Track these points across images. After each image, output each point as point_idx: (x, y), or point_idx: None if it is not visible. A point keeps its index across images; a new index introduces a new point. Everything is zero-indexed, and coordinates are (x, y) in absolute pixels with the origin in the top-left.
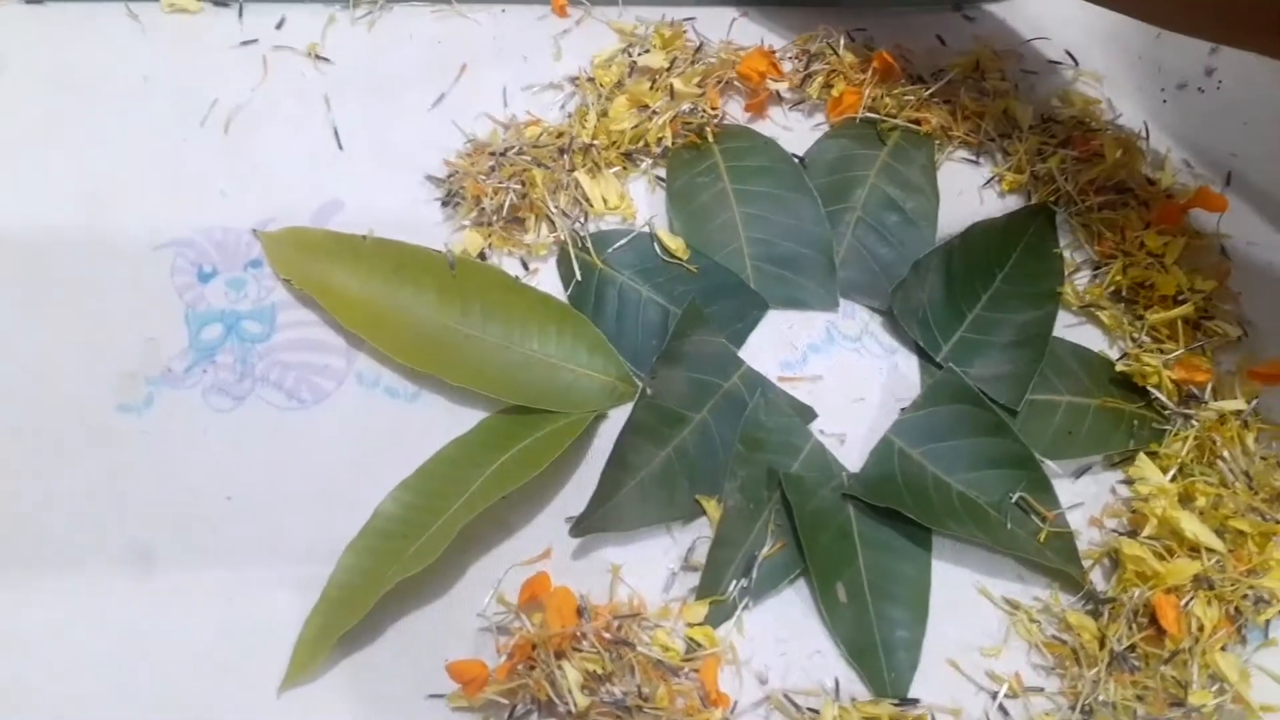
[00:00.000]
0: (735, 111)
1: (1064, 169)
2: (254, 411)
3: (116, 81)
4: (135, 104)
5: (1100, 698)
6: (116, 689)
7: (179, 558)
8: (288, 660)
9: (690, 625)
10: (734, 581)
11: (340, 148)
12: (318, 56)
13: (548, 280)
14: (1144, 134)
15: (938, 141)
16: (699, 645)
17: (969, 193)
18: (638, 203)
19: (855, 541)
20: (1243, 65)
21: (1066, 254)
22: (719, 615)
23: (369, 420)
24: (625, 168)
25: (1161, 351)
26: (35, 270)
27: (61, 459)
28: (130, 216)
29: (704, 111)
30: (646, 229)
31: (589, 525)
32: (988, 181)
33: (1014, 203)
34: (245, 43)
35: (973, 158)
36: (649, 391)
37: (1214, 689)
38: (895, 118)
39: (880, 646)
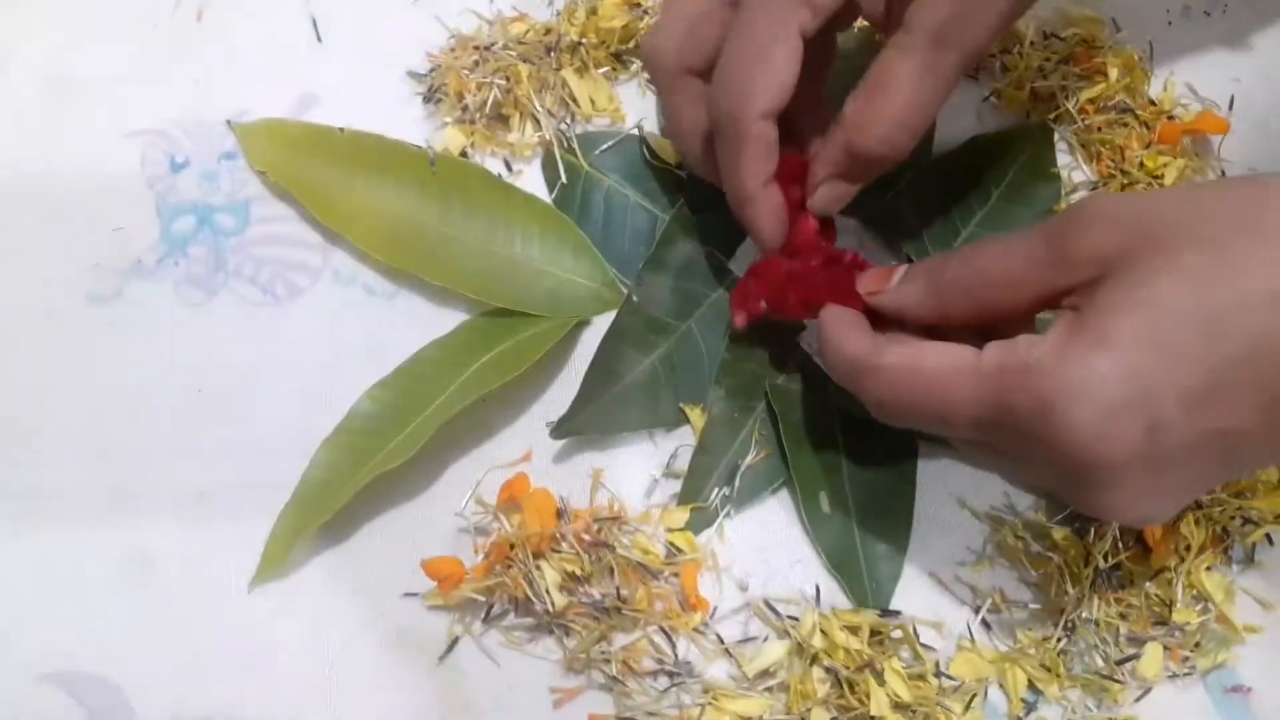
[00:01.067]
0: None
1: (1065, 87)
2: (227, 306)
3: None
4: None
5: (1083, 614)
6: (83, 585)
7: (148, 451)
8: (259, 556)
9: (670, 530)
10: (716, 489)
11: (319, 40)
12: None
13: (531, 182)
14: (1148, 54)
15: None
16: (679, 551)
17: (967, 108)
18: (627, 106)
19: (840, 452)
20: None
21: (1064, 173)
22: (700, 522)
23: (345, 318)
24: (614, 69)
25: None
26: (3, 158)
27: (28, 348)
28: (98, 103)
29: None
30: (635, 132)
31: (570, 428)
32: (986, 97)
33: (1012, 119)
34: None
35: (971, 73)
36: (635, 298)
37: (1198, 608)
38: None
39: (862, 557)
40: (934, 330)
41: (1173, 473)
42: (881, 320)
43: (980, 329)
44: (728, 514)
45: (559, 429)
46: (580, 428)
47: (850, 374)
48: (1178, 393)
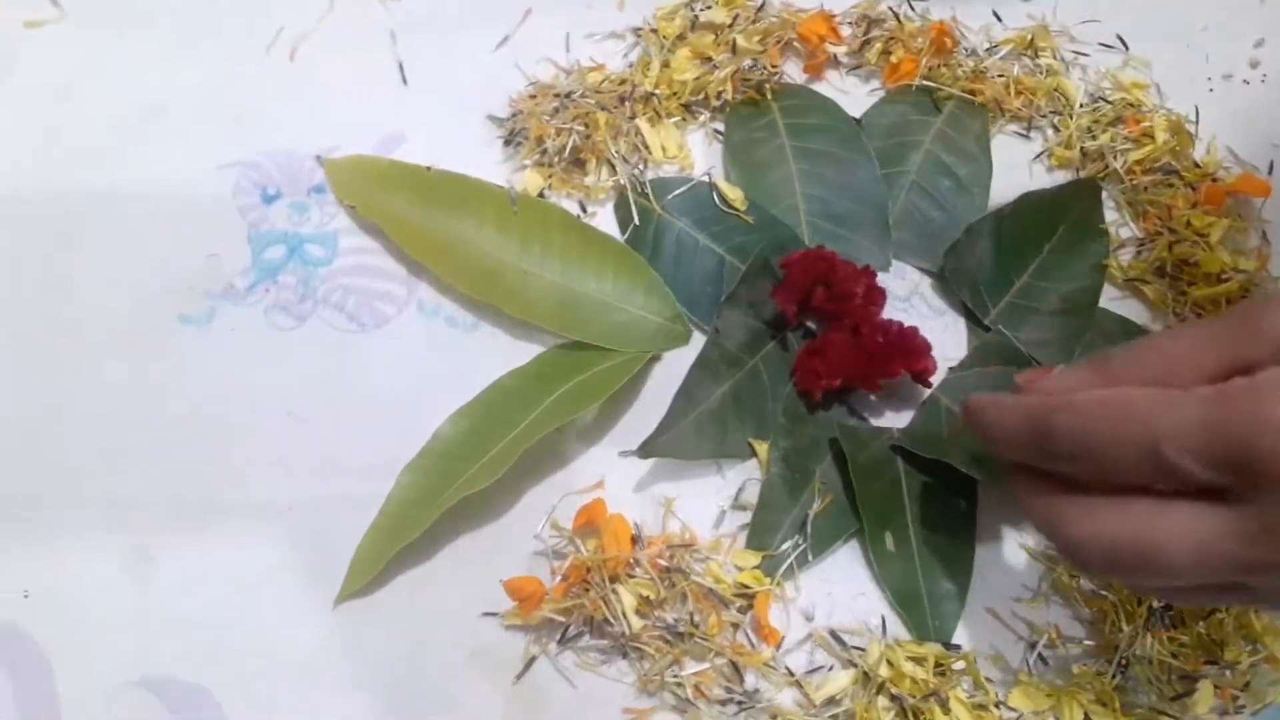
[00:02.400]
0: (793, 72)
1: (1113, 148)
2: (315, 332)
3: (185, 4)
4: (202, 28)
5: (1137, 652)
6: (175, 593)
7: (239, 467)
8: (344, 574)
9: (740, 569)
10: (787, 541)
11: (404, 83)
12: None
13: (605, 224)
14: (1194, 119)
15: (990, 114)
16: (747, 586)
17: (1019, 165)
18: (695, 154)
19: (904, 493)
20: None
21: (1112, 230)
22: (770, 567)
23: (428, 347)
24: (684, 119)
25: None
26: (98, 180)
27: (123, 363)
28: (195, 135)
29: (764, 69)
30: (705, 179)
31: (654, 448)
32: (1038, 155)
33: (1062, 178)
34: None
35: (1023, 132)
36: (720, 330)
37: (1248, 649)
38: (951, 87)
39: (925, 595)
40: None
41: None
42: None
43: None
44: (803, 564)
45: (644, 448)
46: (662, 449)
47: (1033, 416)
48: None
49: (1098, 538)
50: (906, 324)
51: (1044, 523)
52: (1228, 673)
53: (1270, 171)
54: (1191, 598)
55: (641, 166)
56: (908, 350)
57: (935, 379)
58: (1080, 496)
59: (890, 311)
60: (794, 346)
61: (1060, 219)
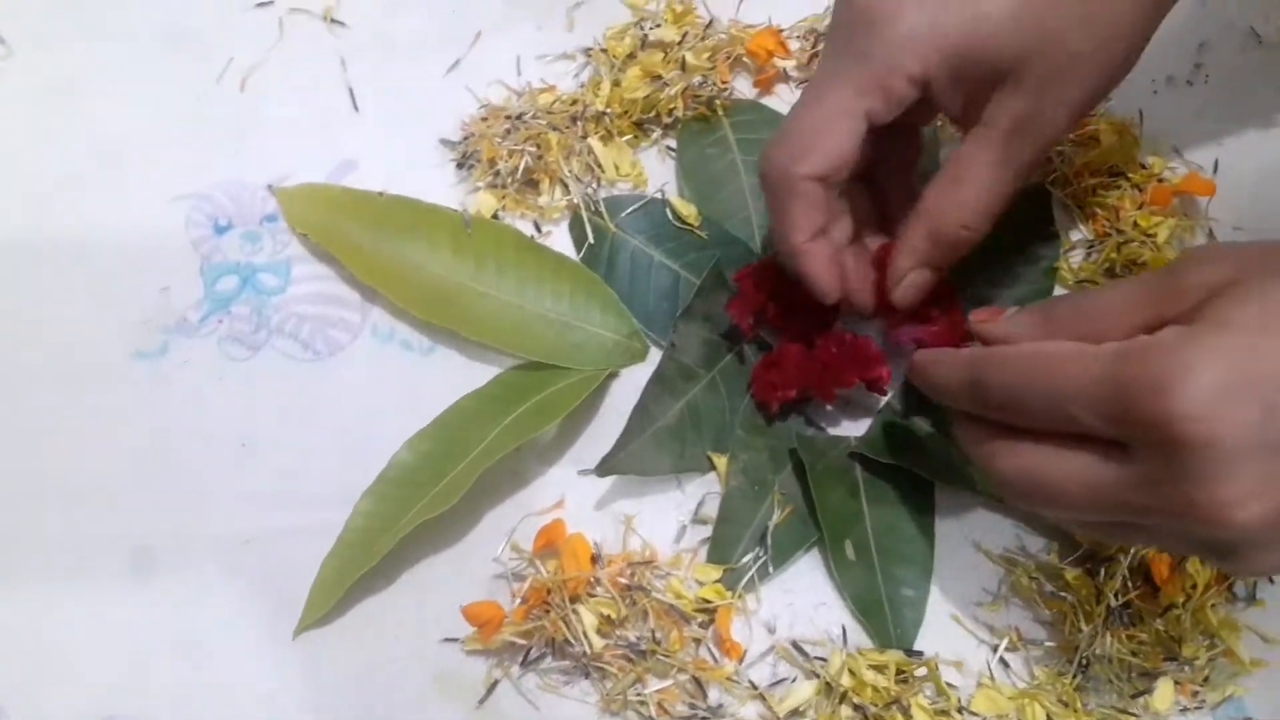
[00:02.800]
0: (744, 87)
1: (1060, 152)
2: (270, 362)
3: (133, 38)
4: (152, 60)
5: (1097, 651)
6: (130, 633)
7: (193, 502)
8: (303, 604)
9: (701, 584)
10: (748, 553)
11: (355, 109)
12: (333, 20)
13: (560, 243)
14: (1139, 121)
15: (939, 122)
16: (708, 601)
17: None
18: (648, 171)
19: (862, 501)
20: (1228, 62)
21: (1060, 233)
22: (731, 580)
23: (384, 373)
24: (636, 137)
25: None
26: (50, 219)
27: (76, 402)
28: (146, 169)
29: (714, 85)
30: (658, 196)
31: (612, 466)
32: None
33: None
34: (261, 4)
35: None
36: (675, 344)
37: (1205, 644)
38: None
39: (886, 602)
40: None
41: None
42: None
43: None
44: (764, 576)
45: (602, 466)
46: (621, 466)
47: (967, 367)
48: None
49: (1018, 474)
50: (861, 332)
51: (979, 460)
52: (1186, 668)
53: (1215, 170)
54: (1105, 532)
55: (595, 185)
56: (862, 359)
57: (889, 386)
58: (1011, 439)
59: (844, 319)
60: (750, 359)
61: (1011, 223)
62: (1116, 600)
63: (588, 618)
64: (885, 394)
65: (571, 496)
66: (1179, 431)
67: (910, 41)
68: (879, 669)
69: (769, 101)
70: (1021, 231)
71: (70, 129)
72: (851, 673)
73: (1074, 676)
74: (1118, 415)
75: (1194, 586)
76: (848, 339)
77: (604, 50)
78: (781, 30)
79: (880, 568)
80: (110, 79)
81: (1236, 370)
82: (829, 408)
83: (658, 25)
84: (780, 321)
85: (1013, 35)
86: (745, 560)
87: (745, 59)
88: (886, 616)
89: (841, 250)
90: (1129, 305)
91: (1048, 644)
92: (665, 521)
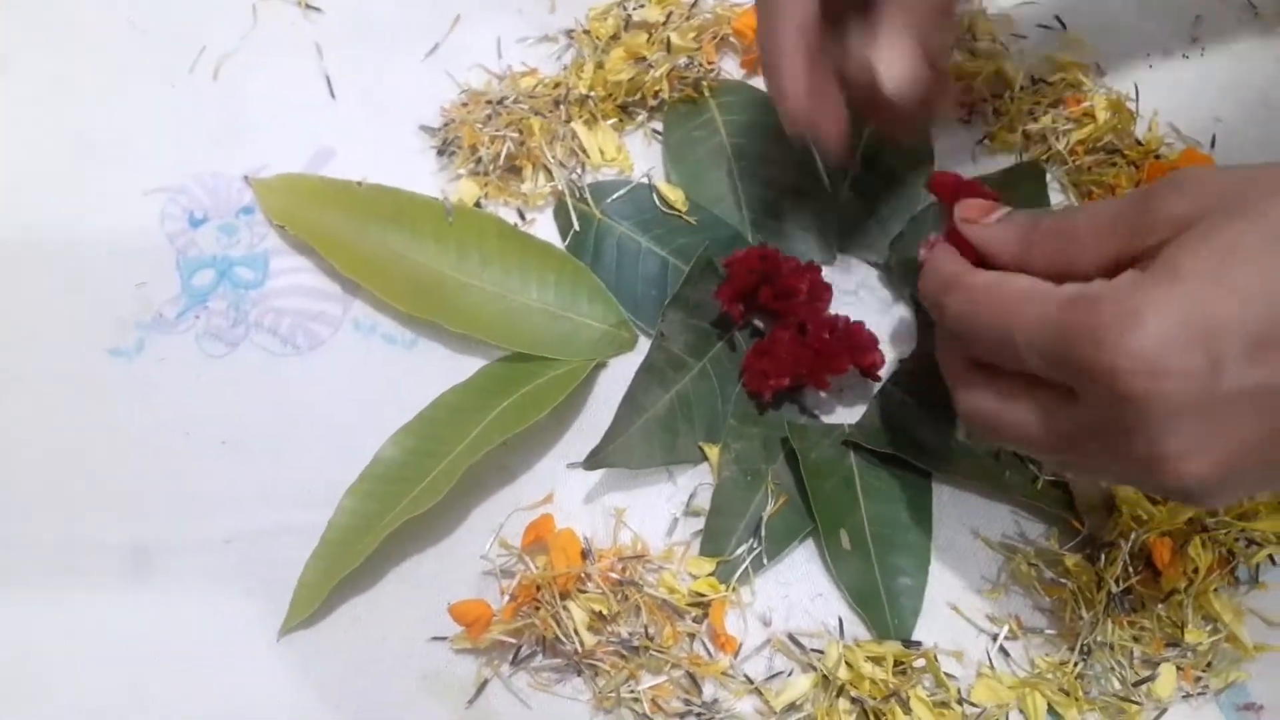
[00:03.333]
0: (731, 68)
1: (1055, 129)
2: (249, 357)
3: (103, 27)
4: (122, 50)
5: (1098, 638)
6: (113, 637)
7: (174, 503)
8: (287, 605)
9: (694, 577)
10: (742, 544)
11: (333, 97)
12: (308, 5)
13: (545, 231)
14: (1134, 96)
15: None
16: (702, 595)
17: (961, 152)
18: (634, 156)
19: (857, 490)
20: (1225, 35)
21: None
22: (725, 573)
23: (366, 366)
24: (621, 120)
25: None
26: (22, 216)
27: (53, 403)
28: (119, 162)
29: (700, 66)
30: (644, 181)
31: (601, 459)
32: (980, 140)
33: (1004, 162)
34: None
35: (965, 117)
36: (664, 333)
37: (1208, 629)
38: None
39: (884, 592)
40: None
41: (1229, 426)
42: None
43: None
44: (759, 568)
45: (591, 460)
46: (610, 459)
47: (939, 288)
48: (1244, 334)
49: (979, 409)
50: (855, 317)
51: (950, 390)
52: (1189, 654)
53: (1212, 146)
54: (1072, 469)
55: (579, 171)
56: (855, 345)
57: (884, 372)
58: (976, 374)
59: (838, 305)
60: (742, 346)
61: (1005, 203)
62: (1117, 587)
63: (578, 614)
64: (879, 380)
65: (560, 490)
66: (1122, 385)
67: None
68: (877, 661)
69: (756, 82)
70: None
71: (39, 123)
72: (849, 665)
73: (1075, 665)
74: (1063, 362)
75: (1195, 571)
76: (840, 324)
77: (587, 32)
78: None
79: (876, 557)
80: (79, 70)
81: (1181, 323)
82: (823, 395)
83: (641, 5)
84: (772, 308)
85: None
86: (739, 552)
87: (732, 39)
88: (884, 607)
89: (820, 78)
90: (1104, 232)
91: (1048, 632)
92: (657, 514)
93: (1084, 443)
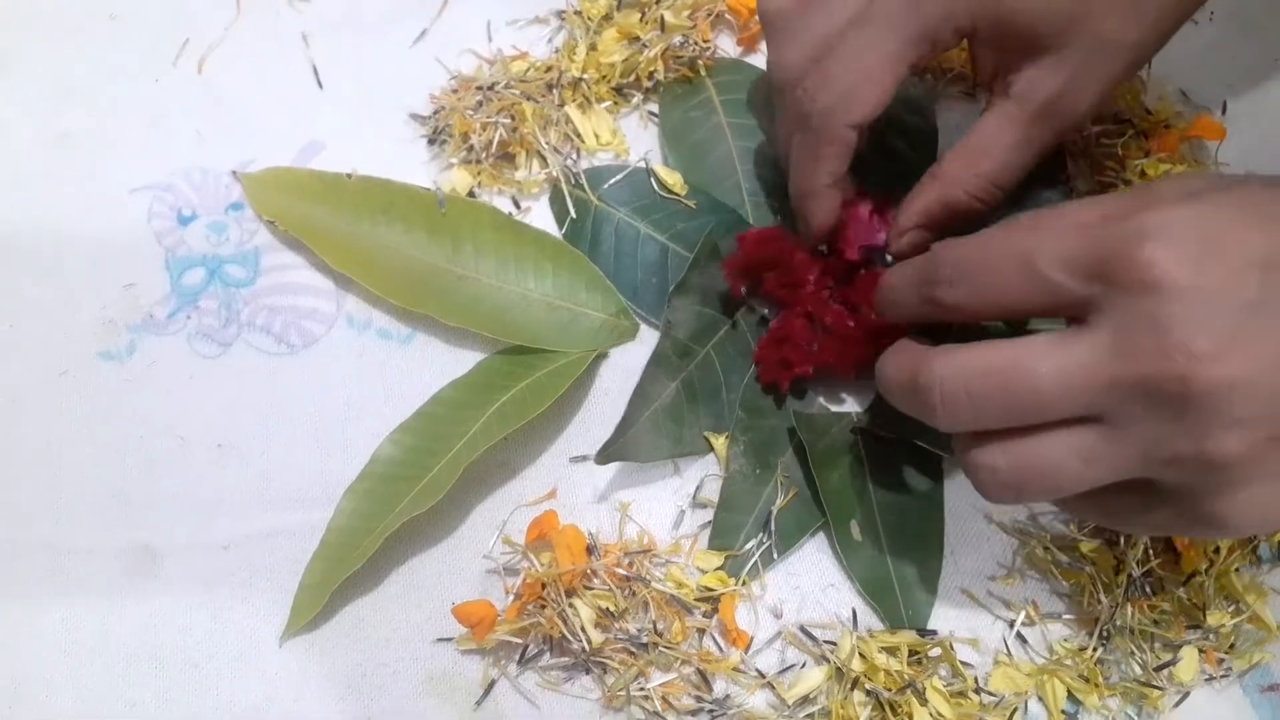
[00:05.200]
0: (727, 45)
1: None
2: (242, 357)
3: (82, 21)
4: (103, 44)
5: (1117, 623)
6: (110, 644)
7: (170, 507)
8: (288, 608)
9: (703, 571)
10: (751, 539)
11: (320, 87)
12: None
13: (540, 218)
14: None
15: (933, 76)
16: (711, 589)
17: (966, 124)
18: (630, 139)
19: (867, 479)
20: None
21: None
22: (734, 567)
23: (362, 364)
24: (616, 103)
25: None
26: (4, 217)
27: (44, 407)
28: (103, 160)
29: (696, 44)
30: (641, 164)
31: (612, 453)
32: (984, 111)
33: None
34: None
35: (969, 91)
36: (671, 322)
37: (1230, 610)
38: None
39: (896, 582)
40: None
41: (1258, 327)
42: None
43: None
44: (768, 563)
45: (603, 454)
46: (622, 453)
47: (928, 255)
48: (1267, 243)
49: (961, 368)
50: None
51: (904, 372)
52: (1211, 636)
53: (1224, 113)
54: (1101, 508)
55: (574, 156)
56: (881, 331)
57: None
58: (997, 438)
59: None
60: (745, 331)
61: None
62: (1138, 570)
63: (585, 611)
64: None
65: (563, 486)
66: (1159, 273)
67: None
68: (891, 651)
69: (753, 60)
70: (1030, 179)
71: (19, 121)
72: (862, 656)
73: (1094, 650)
74: (1096, 266)
75: (1216, 551)
76: (862, 310)
77: (578, 12)
78: None
79: (888, 547)
80: (59, 65)
81: (1217, 230)
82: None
83: None
84: (778, 295)
85: (1063, 8)
86: (748, 547)
87: (727, 16)
88: (897, 597)
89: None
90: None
91: (1066, 617)
92: (663, 507)
93: (1107, 363)
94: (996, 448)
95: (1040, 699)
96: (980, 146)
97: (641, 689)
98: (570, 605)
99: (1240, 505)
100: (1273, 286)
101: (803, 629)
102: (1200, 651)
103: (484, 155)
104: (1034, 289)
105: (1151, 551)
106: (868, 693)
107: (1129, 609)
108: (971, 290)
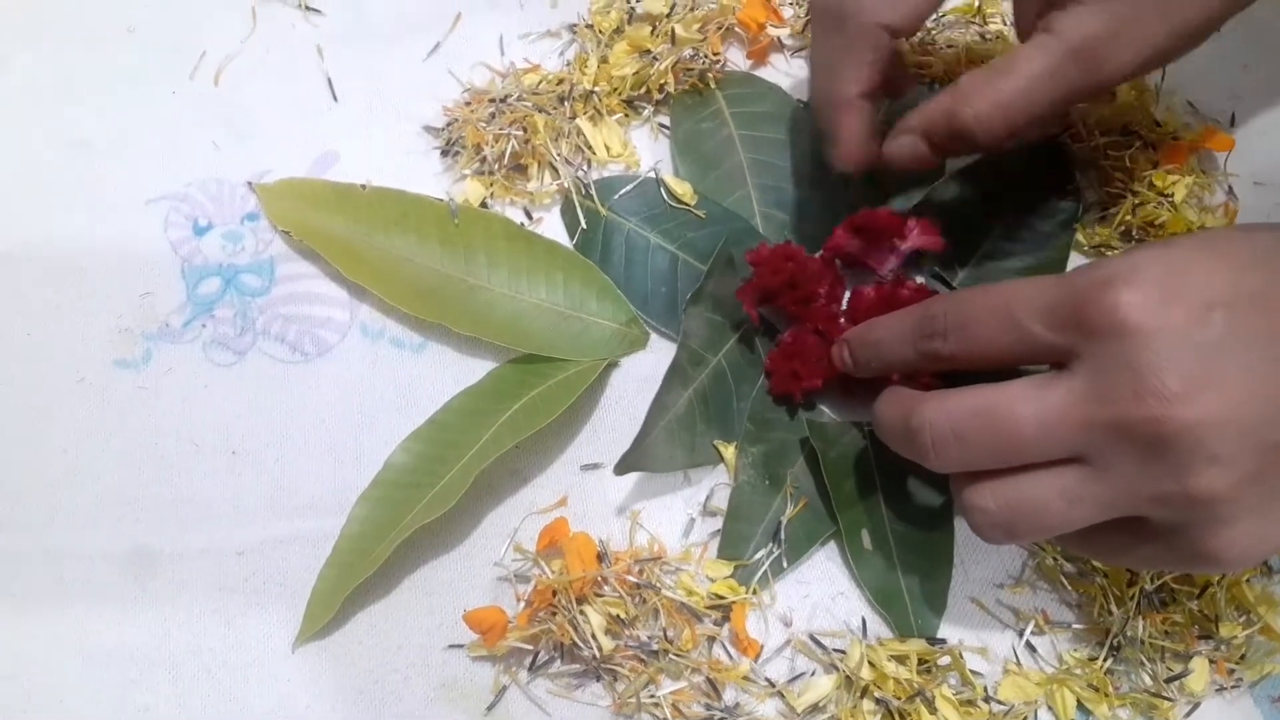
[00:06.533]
0: (737, 58)
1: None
2: (256, 366)
3: (101, 33)
4: (121, 56)
5: (1128, 634)
6: (123, 651)
7: (185, 514)
8: (301, 615)
9: (712, 580)
10: (760, 550)
11: (335, 99)
12: (307, 7)
13: (552, 229)
14: (1159, 75)
15: (939, 84)
16: (721, 597)
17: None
18: (641, 150)
19: (878, 488)
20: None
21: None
22: (744, 576)
23: (375, 372)
24: (627, 115)
25: None
26: (23, 226)
27: (59, 416)
28: (120, 171)
29: (706, 57)
30: (652, 175)
31: (630, 464)
32: None
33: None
34: None
35: None
36: (687, 332)
37: (1241, 620)
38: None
39: (906, 591)
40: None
41: (1227, 364)
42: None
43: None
44: (778, 572)
45: (622, 465)
46: (640, 463)
47: (920, 309)
48: (1231, 282)
49: (949, 411)
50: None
51: (897, 417)
52: (1222, 647)
53: (1233, 124)
54: (1095, 544)
55: (585, 168)
56: None
57: None
58: (990, 476)
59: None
60: (757, 343)
61: (1027, 179)
62: (1152, 584)
63: (596, 619)
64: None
65: (574, 493)
66: (1124, 316)
67: None
68: (900, 659)
69: (763, 73)
70: (1038, 187)
71: (38, 132)
72: (872, 665)
73: (1104, 660)
74: (1068, 314)
75: None
76: None
77: (590, 26)
78: None
79: (899, 557)
80: (77, 78)
81: (1180, 271)
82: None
83: None
84: (791, 310)
85: None
86: (758, 556)
87: (737, 30)
88: (907, 605)
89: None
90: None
91: (1076, 626)
92: (673, 515)
93: (1083, 407)
94: (987, 488)
95: (1050, 708)
96: (1006, 65)
97: (652, 696)
98: (581, 612)
99: (1232, 540)
100: (1237, 324)
101: (812, 637)
102: (1211, 662)
103: (496, 167)
104: (1015, 340)
105: None
106: (877, 701)
107: (1140, 622)
108: (961, 341)
